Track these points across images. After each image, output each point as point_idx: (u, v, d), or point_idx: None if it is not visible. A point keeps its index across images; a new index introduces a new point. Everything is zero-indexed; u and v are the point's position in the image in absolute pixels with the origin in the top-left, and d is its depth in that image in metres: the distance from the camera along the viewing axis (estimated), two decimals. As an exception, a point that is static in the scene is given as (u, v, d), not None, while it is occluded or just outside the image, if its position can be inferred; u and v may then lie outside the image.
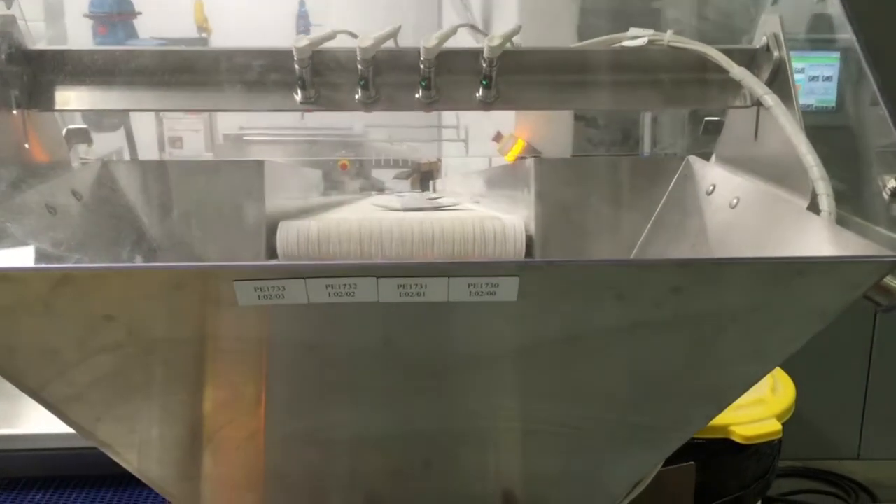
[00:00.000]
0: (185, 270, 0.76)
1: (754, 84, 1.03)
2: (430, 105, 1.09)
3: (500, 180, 1.52)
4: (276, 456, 0.93)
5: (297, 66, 1.03)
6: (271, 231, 1.34)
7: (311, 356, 0.83)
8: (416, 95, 1.08)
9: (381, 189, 3.22)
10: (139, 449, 0.91)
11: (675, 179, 1.34)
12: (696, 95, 1.13)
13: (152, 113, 2.64)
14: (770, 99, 1.00)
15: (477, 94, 1.09)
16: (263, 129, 3.37)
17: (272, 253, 1.33)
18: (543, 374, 0.85)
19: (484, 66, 1.05)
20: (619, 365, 0.84)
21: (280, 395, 0.87)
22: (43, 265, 0.78)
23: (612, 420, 0.90)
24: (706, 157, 1.28)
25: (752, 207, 1.06)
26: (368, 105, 1.08)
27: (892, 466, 3.47)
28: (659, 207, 1.34)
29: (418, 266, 0.77)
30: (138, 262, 1.08)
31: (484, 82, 1.07)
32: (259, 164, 1.31)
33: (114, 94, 1.04)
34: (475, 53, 1.07)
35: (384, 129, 3.97)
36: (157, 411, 0.87)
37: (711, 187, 1.21)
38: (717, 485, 2.00)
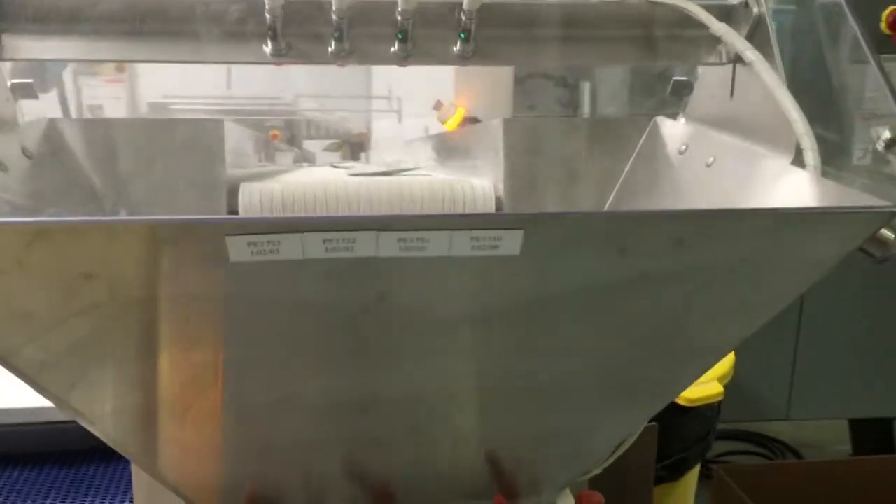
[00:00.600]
0: (173, 224, 0.71)
1: (735, 40, 1.02)
2: (405, 59, 1.05)
3: (455, 145, 1.50)
4: (258, 422, 0.89)
5: (268, 16, 0.99)
6: (230, 194, 1.29)
7: (298, 316, 0.80)
8: (392, 49, 1.05)
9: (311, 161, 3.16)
10: (114, 416, 0.86)
11: (642, 140, 1.33)
12: (673, 51, 1.12)
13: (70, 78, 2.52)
14: (751, 54, 1.00)
15: (454, 49, 1.06)
16: (190, 97, 3.26)
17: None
18: (540, 330, 0.83)
19: (463, 18, 1.02)
20: (617, 320, 0.83)
21: (265, 358, 0.83)
22: (19, 219, 0.72)
23: (605, 377, 0.89)
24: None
25: (731, 165, 1.06)
26: (342, 58, 1.04)
27: (818, 427, 3.60)
28: (627, 168, 1.34)
29: (420, 219, 0.74)
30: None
31: (462, 36, 1.03)
32: (218, 124, 1.26)
33: (76, 43, 0.98)
34: (453, 6, 1.04)
35: (315, 100, 3.89)
36: (134, 376, 0.83)
37: (684, 147, 1.21)
38: (660, 447, 2.03)
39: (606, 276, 0.79)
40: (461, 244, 0.75)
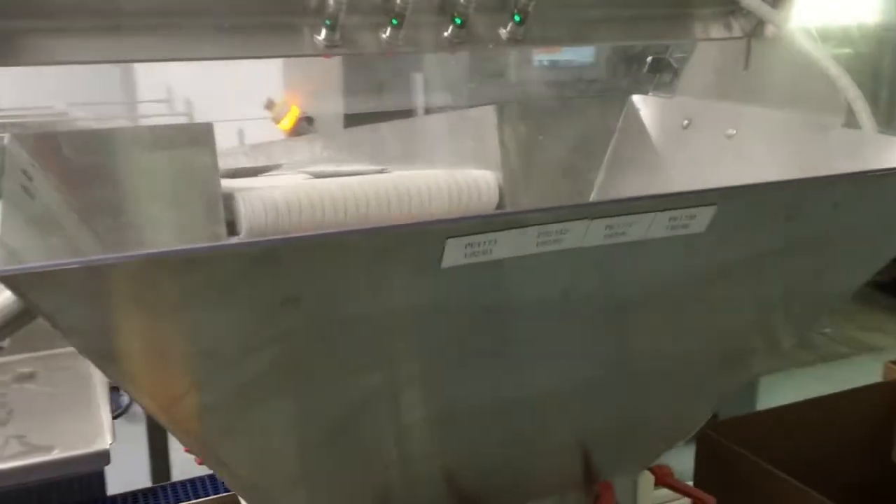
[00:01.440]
0: (394, 232, 0.63)
1: (767, 12, 1.07)
2: (456, 45, 1.01)
3: (428, 136, 1.45)
4: (421, 433, 0.82)
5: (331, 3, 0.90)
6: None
7: (481, 318, 0.74)
8: (444, 34, 1.00)
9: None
10: (259, 457, 0.75)
11: (621, 118, 1.37)
12: (684, 29, 1.16)
13: None
14: (788, 26, 1.05)
15: (502, 31, 1.03)
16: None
17: (230, 228, 1.16)
18: (696, 305, 0.83)
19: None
20: (767, 286, 0.85)
21: (436, 369, 0.77)
22: (238, 242, 0.60)
23: (733, 343, 0.91)
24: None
25: (763, 134, 1.11)
26: (395, 47, 0.98)
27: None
28: (610, 147, 1.37)
29: (628, 204, 0.71)
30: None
31: (517, 18, 1.01)
32: (208, 128, 1.14)
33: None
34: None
35: (89, 107, 3.60)
36: (295, 410, 0.73)
37: (686, 122, 1.25)
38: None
39: (770, 243, 0.80)
40: (659, 225, 0.73)
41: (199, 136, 1.13)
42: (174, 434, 0.71)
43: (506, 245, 0.68)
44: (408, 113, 3.75)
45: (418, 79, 3.63)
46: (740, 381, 0.99)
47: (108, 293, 0.57)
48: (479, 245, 0.67)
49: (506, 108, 1.29)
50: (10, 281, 0.54)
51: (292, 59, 3.28)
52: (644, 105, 1.35)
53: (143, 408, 0.68)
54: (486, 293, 0.73)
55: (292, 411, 0.73)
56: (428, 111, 3.39)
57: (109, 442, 1.40)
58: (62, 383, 1.53)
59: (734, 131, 1.16)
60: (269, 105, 3.34)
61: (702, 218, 0.74)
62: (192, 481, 1.70)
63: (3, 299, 0.56)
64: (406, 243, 0.65)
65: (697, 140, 1.22)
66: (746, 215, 0.77)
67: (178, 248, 0.57)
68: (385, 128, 1.47)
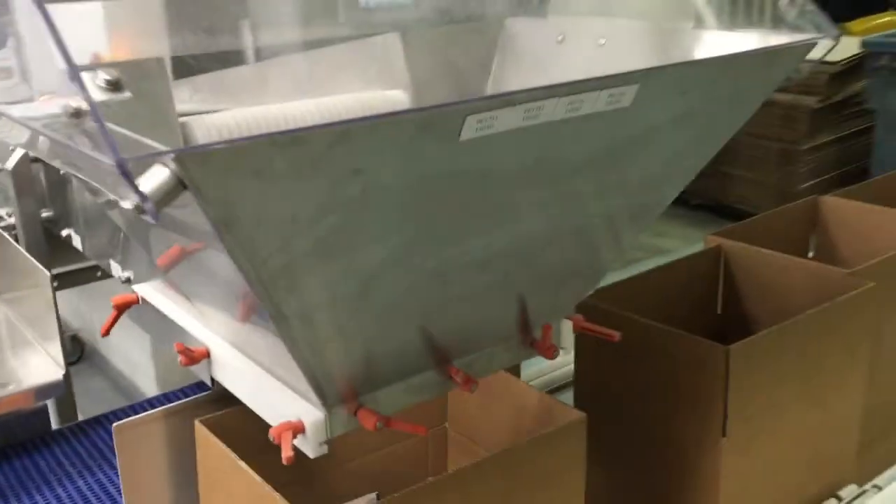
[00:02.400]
0: (433, 111, 0.83)
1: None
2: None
3: (335, 65, 1.61)
4: (424, 285, 1.02)
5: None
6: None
7: (482, 182, 0.96)
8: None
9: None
10: (313, 310, 0.94)
11: (500, 39, 1.60)
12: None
13: None
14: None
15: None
16: None
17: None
18: (626, 167, 1.09)
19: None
20: (663, 148, 1.12)
21: (450, 224, 0.98)
22: (327, 123, 0.77)
23: (633, 200, 1.18)
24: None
25: (628, 41, 1.39)
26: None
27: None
28: (494, 64, 1.60)
29: (580, 84, 0.93)
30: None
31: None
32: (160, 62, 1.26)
33: None
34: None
35: None
36: (352, 266, 0.92)
37: (561, 37, 1.50)
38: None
39: (667, 115, 1.07)
40: (602, 101, 0.97)
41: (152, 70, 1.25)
42: (257, 291, 0.87)
43: (503, 121, 0.90)
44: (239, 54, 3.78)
45: (244, 25, 3.68)
46: (636, 235, 1.27)
47: (240, 167, 0.74)
48: (485, 121, 0.88)
49: (407, 35, 1.49)
50: (176, 158, 0.70)
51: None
52: (520, 25, 1.59)
53: (241, 269, 0.84)
54: (485, 161, 0.94)
55: (344, 267, 0.92)
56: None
57: (62, 373, 1.50)
58: (20, 323, 1.60)
59: (604, 41, 1.43)
60: (95, 60, 3.28)
61: (629, 94, 0.99)
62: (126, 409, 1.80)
63: (161, 175, 0.70)
64: (438, 120, 0.85)
65: (572, 51, 1.48)
66: (656, 91, 1.02)
67: (288, 129, 0.75)
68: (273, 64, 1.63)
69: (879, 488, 1.91)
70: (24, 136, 1.05)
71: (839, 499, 1.86)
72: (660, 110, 1.06)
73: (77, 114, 0.81)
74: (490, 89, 1.58)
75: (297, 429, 1.12)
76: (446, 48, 1.58)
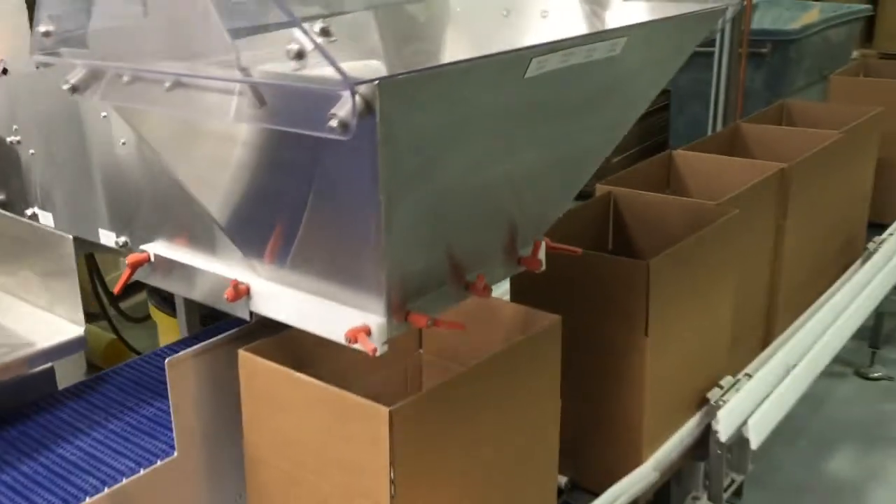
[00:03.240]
0: (515, 53, 1.11)
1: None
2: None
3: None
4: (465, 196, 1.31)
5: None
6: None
7: (520, 113, 1.25)
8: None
9: None
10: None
11: (451, 15, 1.89)
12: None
13: None
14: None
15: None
16: None
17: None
18: (609, 106, 1.42)
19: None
20: (626, 97, 1.45)
21: (492, 146, 1.26)
22: (458, 60, 1.02)
23: (603, 141, 1.51)
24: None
25: (567, 12, 1.71)
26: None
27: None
28: (447, 37, 1.88)
29: (594, 36, 1.24)
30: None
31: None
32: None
33: None
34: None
35: None
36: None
37: (506, 12, 1.81)
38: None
39: (630, 63, 1.40)
40: (603, 50, 1.29)
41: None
42: (382, 201, 1.11)
43: (549, 63, 1.19)
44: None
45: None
46: (595, 169, 1.61)
47: (407, 94, 0.99)
48: (540, 63, 1.17)
49: (381, 14, 1.74)
50: (379, 85, 0.94)
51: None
52: (467, 3, 1.88)
53: (380, 180, 1.07)
54: (537, 94, 1.23)
55: (440, 178, 1.18)
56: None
57: (82, 329, 1.65)
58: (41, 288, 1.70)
59: (547, 12, 1.75)
60: None
61: (619, 45, 1.32)
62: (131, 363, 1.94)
63: (350, 103, 0.93)
64: (516, 60, 1.13)
65: (519, 22, 1.79)
66: (636, 45, 1.35)
67: (441, 64, 1.01)
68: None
69: (750, 376, 2.37)
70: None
71: (721, 387, 2.30)
72: (634, 60, 1.39)
73: (300, 55, 1.00)
74: (447, 59, 1.86)
75: (367, 331, 1.35)
76: (410, 23, 1.84)
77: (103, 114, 1.68)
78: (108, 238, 1.80)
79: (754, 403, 2.29)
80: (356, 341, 1.34)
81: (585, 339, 2.00)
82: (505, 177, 1.37)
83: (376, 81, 0.93)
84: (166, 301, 3.01)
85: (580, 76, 1.30)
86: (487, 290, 1.50)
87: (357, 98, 0.95)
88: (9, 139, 1.96)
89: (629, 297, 1.96)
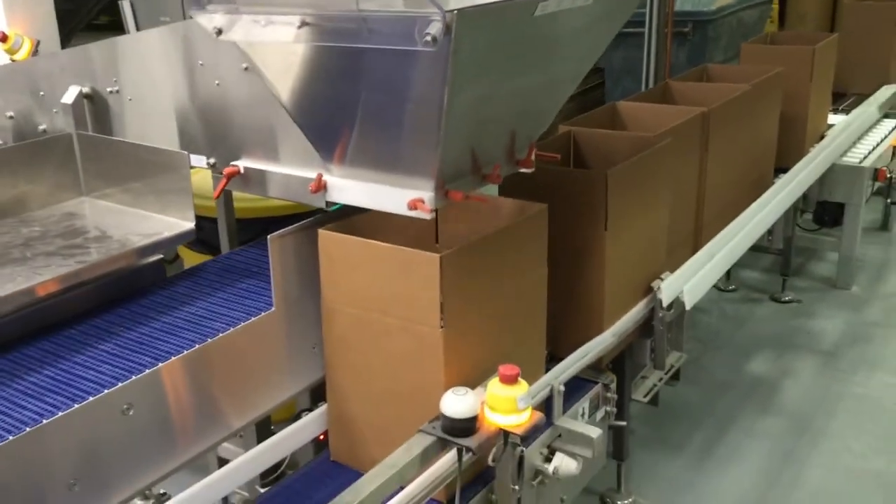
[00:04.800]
0: (521, 1, 1.71)
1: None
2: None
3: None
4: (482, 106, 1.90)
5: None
6: None
7: (528, 44, 1.85)
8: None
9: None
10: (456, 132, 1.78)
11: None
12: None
13: None
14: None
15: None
16: None
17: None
18: (583, 43, 2.03)
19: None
20: (591, 37, 2.07)
21: (507, 68, 1.86)
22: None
23: (575, 71, 2.13)
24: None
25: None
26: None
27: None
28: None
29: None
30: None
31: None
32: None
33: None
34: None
35: None
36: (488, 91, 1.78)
37: None
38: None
39: (595, 11, 2.01)
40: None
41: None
42: (446, 105, 1.70)
43: (547, 7, 1.79)
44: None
45: (126, 4, 4.20)
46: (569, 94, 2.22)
47: (477, 22, 1.58)
48: (545, 6, 1.77)
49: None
50: (459, 13, 1.53)
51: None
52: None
53: (447, 89, 1.66)
54: (540, 30, 1.83)
55: (478, 88, 1.77)
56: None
57: (192, 224, 2.21)
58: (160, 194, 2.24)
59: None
60: (2, 37, 3.63)
61: (589, -3, 1.93)
62: (215, 260, 2.48)
63: (441, 24, 1.51)
64: (527, 5, 1.73)
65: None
66: (599, -2, 1.97)
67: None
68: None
69: (682, 272, 3.04)
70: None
71: (661, 279, 2.95)
72: (597, 9, 2.00)
73: None
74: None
75: (422, 200, 1.93)
76: None
77: (200, 62, 2.23)
78: (199, 160, 2.34)
79: (687, 278, 2.95)
80: (415, 208, 1.93)
81: (559, 235, 2.60)
82: (513, 92, 1.97)
83: (455, 11, 1.52)
84: (196, 242, 3.54)
85: (566, 18, 1.90)
86: (500, 178, 2.10)
87: (440, 23, 1.54)
88: (108, 89, 2.49)
89: (593, 200, 2.59)
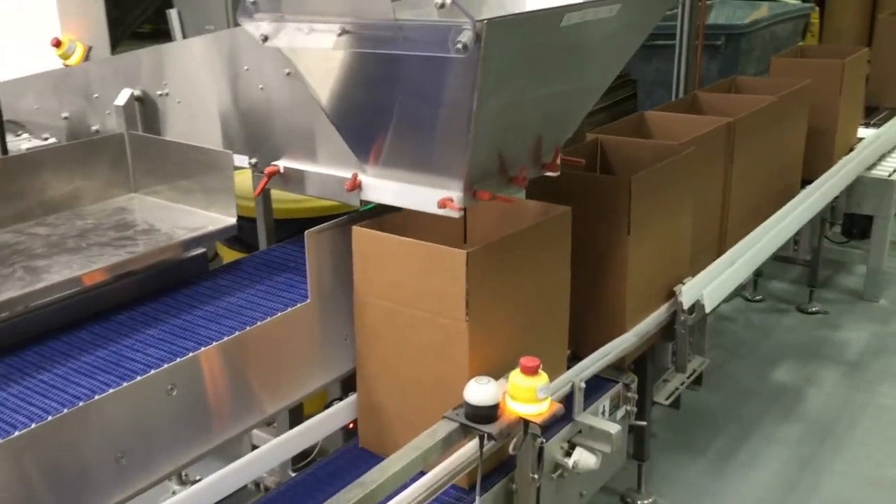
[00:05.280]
0: (560, 9, 1.81)
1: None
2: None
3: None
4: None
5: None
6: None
7: (558, 52, 1.96)
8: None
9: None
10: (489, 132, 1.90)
11: None
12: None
13: None
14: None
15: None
16: None
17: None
18: (607, 53, 2.13)
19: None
20: (614, 48, 2.17)
21: (541, 76, 1.97)
22: (538, 9, 1.72)
23: (599, 81, 2.23)
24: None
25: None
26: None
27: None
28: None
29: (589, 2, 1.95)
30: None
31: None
32: None
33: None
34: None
35: None
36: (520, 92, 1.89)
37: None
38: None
39: (620, 22, 2.11)
40: (611, 10, 2.00)
41: None
42: (476, 107, 1.81)
43: (572, 18, 1.90)
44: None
45: (174, 14, 4.37)
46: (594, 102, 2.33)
47: (504, 31, 1.69)
48: (570, 17, 1.88)
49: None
50: (488, 23, 1.64)
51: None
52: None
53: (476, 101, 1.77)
54: (566, 39, 1.93)
55: (507, 91, 1.88)
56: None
57: (234, 220, 2.34)
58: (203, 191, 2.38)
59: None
60: (57, 43, 3.80)
61: (615, 9, 2.03)
62: (254, 255, 2.62)
63: (472, 33, 1.63)
64: (559, 12, 1.83)
65: None
66: (624, 9, 2.07)
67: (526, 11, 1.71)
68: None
69: (706, 275, 3.12)
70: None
71: (683, 283, 3.03)
72: (621, 20, 2.10)
73: (442, 6, 1.68)
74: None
75: (451, 199, 2.05)
76: None
77: (245, 67, 2.37)
78: (241, 160, 2.48)
79: (708, 282, 3.03)
80: (445, 206, 2.05)
81: (582, 237, 2.70)
82: (540, 98, 2.08)
83: (485, 20, 1.64)
84: (233, 240, 3.68)
85: (592, 28, 2.01)
86: (526, 180, 2.21)
87: (471, 32, 1.65)
88: (157, 92, 2.64)
89: (616, 205, 2.68)
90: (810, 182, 4.25)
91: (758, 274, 4.87)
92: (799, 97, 4.02)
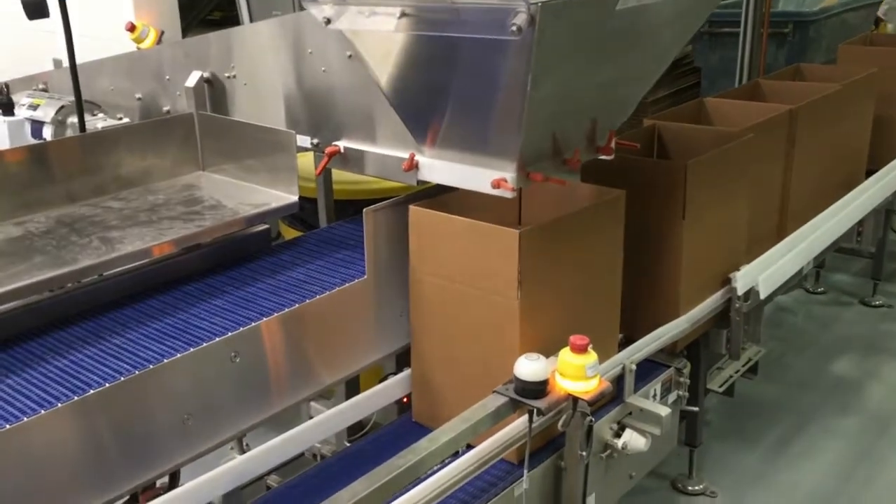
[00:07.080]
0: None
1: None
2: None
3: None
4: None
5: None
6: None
7: (610, 34, 2.00)
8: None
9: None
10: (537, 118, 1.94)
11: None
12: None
13: None
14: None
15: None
16: None
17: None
18: (662, 38, 2.15)
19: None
20: (671, 35, 2.19)
21: (594, 58, 2.00)
22: None
23: (653, 67, 2.25)
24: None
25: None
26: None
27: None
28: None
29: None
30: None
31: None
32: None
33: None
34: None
35: None
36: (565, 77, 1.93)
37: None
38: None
39: (673, 8, 2.13)
40: (664, -4, 2.03)
41: None
42: (531, 86, 1.86)
43: (629, 2, 1.93)
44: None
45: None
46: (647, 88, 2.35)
47: (558, 14, 1.74)
48: (627, 0, 1.91)
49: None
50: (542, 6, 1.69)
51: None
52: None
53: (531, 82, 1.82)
54: (621, 23, 1.96)
55: (560, 75, 1.92)
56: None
57: (296, 198, 2.42)
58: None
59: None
60: (131, 28, 3.96)
61: (664, -8, 2.06)
62: (314, 233, 2.71)
63: (526, 15, 1.67)
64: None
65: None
66: (674, -2, 2.09)
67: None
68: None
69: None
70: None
71: (738, 269, 3.02)
72: (675, 6, 2.12)
73: None
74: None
75: (505, 180, 2.10)
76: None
77: (309, 50, 2.45)
78: (304, 140, 2.57)
79: (764, 269, 3.03)
80: (499, 186, 2.10)
81: (637, 222, 2.72)
82: (594, 82, 2.11)
83: (539, 3, 1.68)
84: (293, 219, 3.79)
85: (647, 13, 2.03)
86: (579, 162, 2.25)
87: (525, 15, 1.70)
88: (225, 74, 2.74)
89: (672, 190, 2.69)
90: (875, 172, 4.18)
91: (820, 266, 4.81)
92: (865, 85, 3.95)
